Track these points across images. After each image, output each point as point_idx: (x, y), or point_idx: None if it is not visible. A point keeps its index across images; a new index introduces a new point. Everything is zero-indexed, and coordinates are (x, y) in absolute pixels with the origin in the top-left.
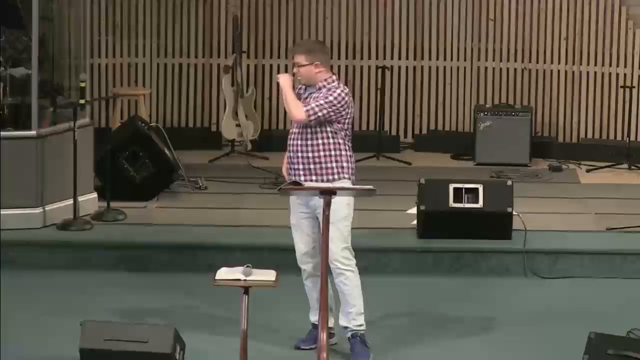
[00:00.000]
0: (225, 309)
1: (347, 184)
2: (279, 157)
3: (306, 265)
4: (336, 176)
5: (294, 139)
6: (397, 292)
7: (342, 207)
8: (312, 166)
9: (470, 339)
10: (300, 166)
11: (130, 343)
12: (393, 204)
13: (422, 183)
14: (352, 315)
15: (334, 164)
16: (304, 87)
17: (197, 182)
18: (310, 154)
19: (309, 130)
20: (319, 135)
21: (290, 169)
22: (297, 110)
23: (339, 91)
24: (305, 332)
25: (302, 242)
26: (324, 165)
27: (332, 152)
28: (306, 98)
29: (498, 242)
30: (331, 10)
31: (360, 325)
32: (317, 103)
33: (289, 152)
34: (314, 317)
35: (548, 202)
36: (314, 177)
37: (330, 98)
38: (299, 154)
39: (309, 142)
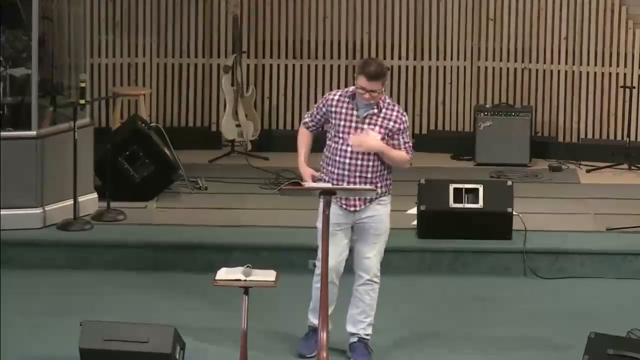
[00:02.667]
0: (225, 309)
1: (389, 198)
2: (279, 157)
3: (330, 276)
4: (385, 195)
5: (351, 158)
6: (397, 292)
7: (387, 220)
8: (366, 185)
9: (469, 339)
10: (351, 179)
11: (130, 343)
12: (393, 204)
13: (422, 183)
14: (365, 324)
15: (385, 182)
16: (355, 105)
17: (197, 182)
18: (369, 175)
19: (373, 158)
20: (376, 157)
21: (333, 179)
22: (405, 163)
23: (405, 117)
24: (305, 332)
25: (333, 255)
26: (377, 185)
27: (385, 172)
28: (365, 117)
29: (498, 242)
30: (331, 9)
31: (369, 335)
32: (408, 143)
33: (338, 168)
34: (315, 320)
35: (548, 202)
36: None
37: (407, 128)
38: (357, 174)
39: (370, 164)
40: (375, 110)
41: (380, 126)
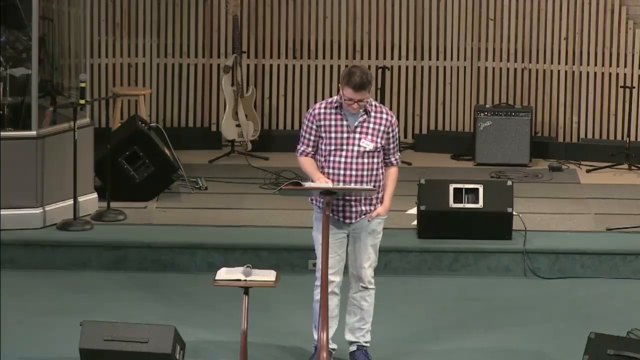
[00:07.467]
0: (225, 309)
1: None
2: (279, 157)
3: (331, 285)
4: (379, 205)
5: (345, 169)
6: (397, 292)
7: (382, 229)
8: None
9: (470, 339)
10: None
11: (130, 343)
12: (393, 204)
13: (422, 183)
14: (364, 331)
15: (378, 195)
16: (343, 115)
17: (197, 182)
18: (372, 185)
19: (369, 162)
20: (377, 166)
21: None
22: (397, 176)
23: (394, 118)
24: (305, 332)
25: (333, 265)
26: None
27: (382, 178)
28: (356, 127)
29: (498, 242)
30: (331, 9)
31: (368, 342)
32: (396, 152)
33: (338, 180)
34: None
35: (548, 202)
36: (368, 205)
37: (397, 130)
38: (356, 185)
39: (371, 173)
40: (365, 116)
41: (372, 134)
